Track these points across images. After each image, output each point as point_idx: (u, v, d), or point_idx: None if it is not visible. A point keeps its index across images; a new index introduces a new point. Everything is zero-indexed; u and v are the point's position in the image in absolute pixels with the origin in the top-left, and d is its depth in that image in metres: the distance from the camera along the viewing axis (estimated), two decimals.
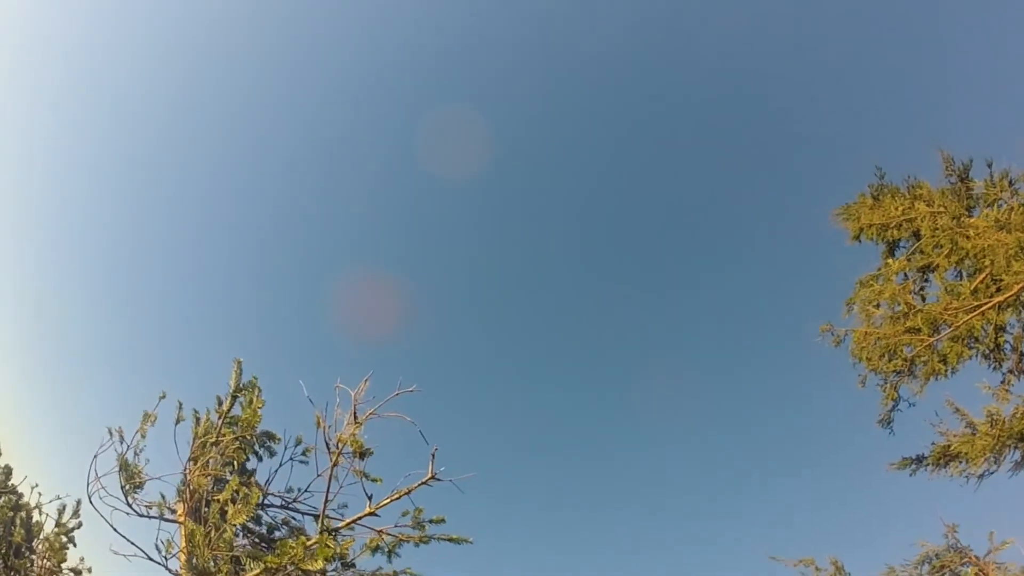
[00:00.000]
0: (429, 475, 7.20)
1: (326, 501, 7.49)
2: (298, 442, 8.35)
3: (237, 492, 7.69)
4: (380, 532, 7.86)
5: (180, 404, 8.24)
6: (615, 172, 30.42)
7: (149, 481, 8.01)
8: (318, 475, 7.78)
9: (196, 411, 8.39)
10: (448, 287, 31.43)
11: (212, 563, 7.32)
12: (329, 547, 6.77)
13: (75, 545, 8.77)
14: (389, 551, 7.97)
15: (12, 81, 24.62)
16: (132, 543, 7.33)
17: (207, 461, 8.17)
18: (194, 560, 7.33)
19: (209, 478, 8.16)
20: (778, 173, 28.37)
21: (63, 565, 8.72)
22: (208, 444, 8.23)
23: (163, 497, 8.13)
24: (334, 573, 8.19)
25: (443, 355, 30.76)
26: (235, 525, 7.55)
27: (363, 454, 7.42)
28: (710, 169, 29.69)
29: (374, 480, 7.39)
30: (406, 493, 7.33)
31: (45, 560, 8.65)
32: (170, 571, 7.45)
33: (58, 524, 8.70)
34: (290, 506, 8.77)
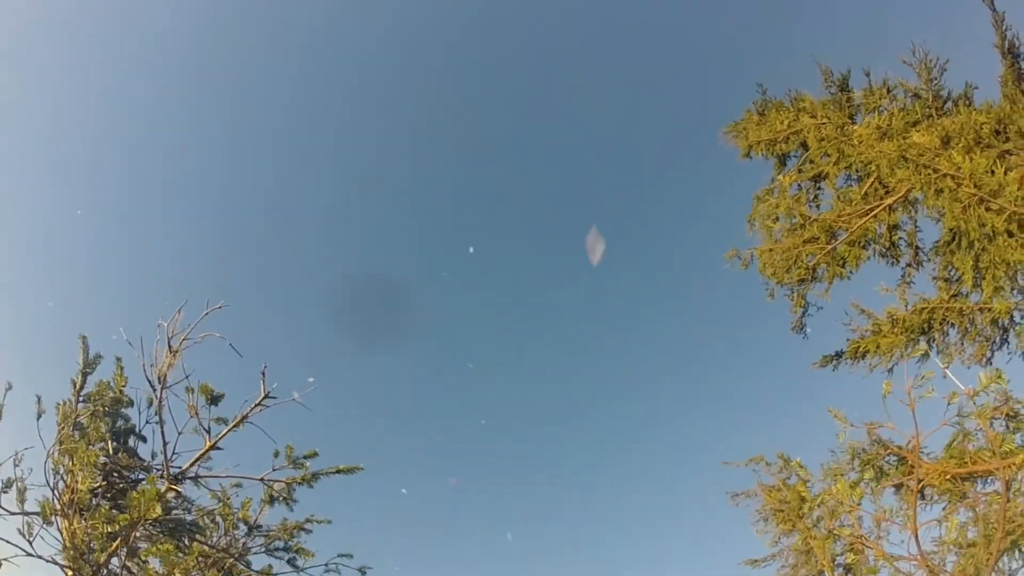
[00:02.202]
0: (262, 394, 6.98)
1: (164, 445, 7.12)
2: (149, 402, 7.42)
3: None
4: (262, 480, 7.54)
5: (39, 398, 7.50)
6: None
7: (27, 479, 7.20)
8: (147, 422, 7.48)
9: (59, 402, 7.63)
10: None
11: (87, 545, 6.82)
12: (159, 490, 6.43)
13: None
14: (285, 500, 7.61)
15: None
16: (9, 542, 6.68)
17: (70, 446, 7.37)
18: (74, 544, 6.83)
19: (76, 461, 7.33)
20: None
21: None
22: (69, 428, 7.52)
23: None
24: (244, 538, 7.89)
25: None
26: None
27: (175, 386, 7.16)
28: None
29: (214, 398, 7.14)
30: (243, 419, 7.07)
31: None
32: (49, 561, 6.85)
33: None
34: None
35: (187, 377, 7.17)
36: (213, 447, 7.25)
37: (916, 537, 7.10)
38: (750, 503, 12.07)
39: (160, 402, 7.21)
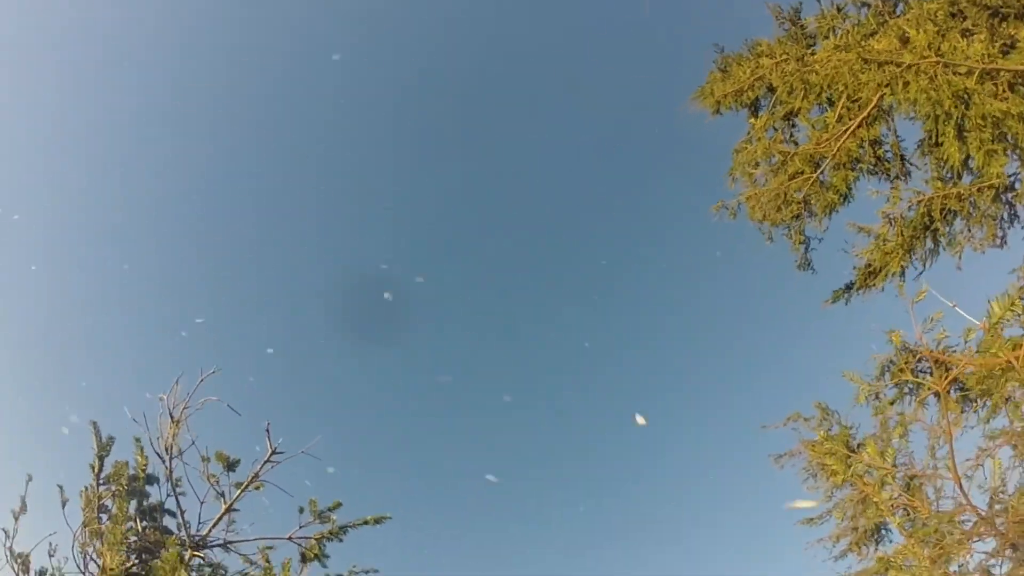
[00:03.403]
0: (270, 451, 7.10)
1: (181, 514, 7.26)
2: (168, 482, 7.47)
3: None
4: (290, 539, 7.37)
5: (61, 488, 7.41)
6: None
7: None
8: (167, 495, 7.40)
9: (84, 487, 7.47)
10: None
11: None
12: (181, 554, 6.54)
13: None
14: (316, 556, 7.30)
15: None
16: None
17: (98, 531, 7.25)
18: None
19: (104, 543, 7.14)
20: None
21: None
22: (94, 512, 7.34)
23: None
24: None
25: None
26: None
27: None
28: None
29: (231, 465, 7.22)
30: (254, 478, 7.18)
31: None
32: None
33: None
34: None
35: (193, 444, 7.27)
36: (230, 509, 7.28)
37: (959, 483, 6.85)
38: (795, 462, 11.75)
39: (171, 472, 7.31)
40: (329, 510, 7.29)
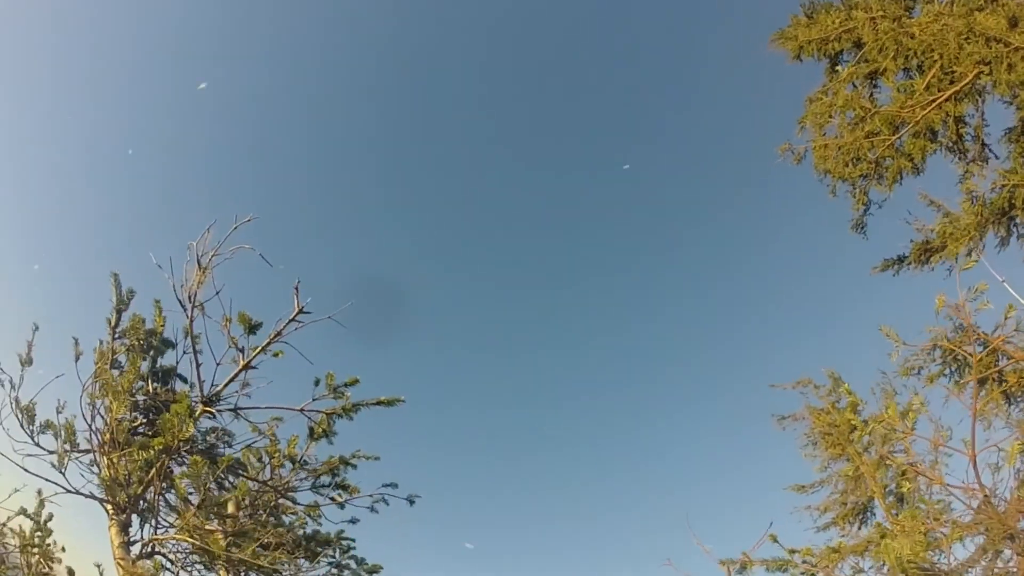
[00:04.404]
0: (296, 310, 6.78)
1: (197, 367, 6.93)
2: (185, 333, 7.10)
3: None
4: (301, 411, 7.20)
5: (76, 340, 7.20)
6: None
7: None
8: (184, 352, 7.15)
9: (100, 340, 7.33)
10: None
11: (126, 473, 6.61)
12: (191, 406, 6.37)
13: None
14: (325, 432, 7.19)
15: None
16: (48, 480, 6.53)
17: (108, 382, 7.06)
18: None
19: (113, 397, 7.01)
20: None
21: None
22: (108, 367, 7.21)
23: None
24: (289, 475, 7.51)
25: None
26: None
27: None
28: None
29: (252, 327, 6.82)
30: (277, 335, 6.87)
31: None
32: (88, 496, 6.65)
33: None
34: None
35: (217, 294, 6.92)
36: (247, 366, 7.01)
37: (974, 462, 6.75)
38: (797, 427, 11.75)
39: (191, 322, 7.01)
40: (346, 385, 7.09)
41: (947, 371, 7.50)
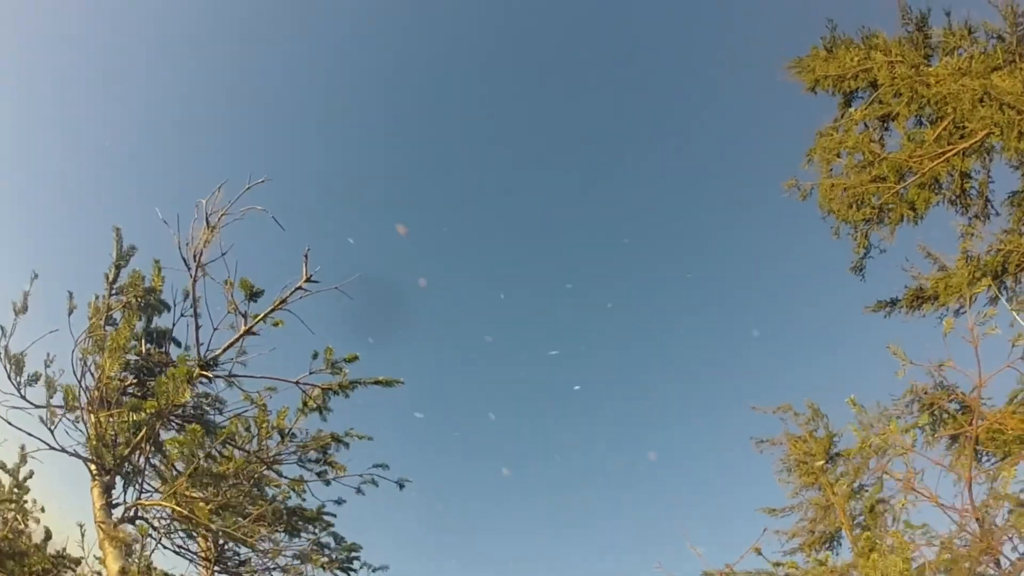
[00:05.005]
0: (304, 278, 6.57)
1: (197, 329, 6.72)
2: (185, 295, 6.96)
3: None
4: (297, 383, 7.08)
5: (71, 294, 7.00)
6: None
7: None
8: (182, 315, 6.91)
9: (96, 295, 7.16)
10: None
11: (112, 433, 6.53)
12: (189, 370, 6.06)
13: None
14: (319, 407, 7.13)
15: None
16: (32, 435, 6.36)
17: (102, 339, 6.92)
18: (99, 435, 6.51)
19: (105, 353, 6.87)
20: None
21: None
22: (102, 323, 7.05)
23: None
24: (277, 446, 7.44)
25: None
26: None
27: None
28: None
29: (254, 294, 6.61)
30: (281, 303, 6.65)
31: None
32: (72, 454, 6.55)
33: None
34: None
35: (223, 255, 6.67)
36: (248, 332, 6.81)
37: (970, 488, 6.90)
38: (774, 451, 12.02)
39: (194, 282, 6.78)
40: (345, 361, 6.99)
41: (921, 423, 7.63)
